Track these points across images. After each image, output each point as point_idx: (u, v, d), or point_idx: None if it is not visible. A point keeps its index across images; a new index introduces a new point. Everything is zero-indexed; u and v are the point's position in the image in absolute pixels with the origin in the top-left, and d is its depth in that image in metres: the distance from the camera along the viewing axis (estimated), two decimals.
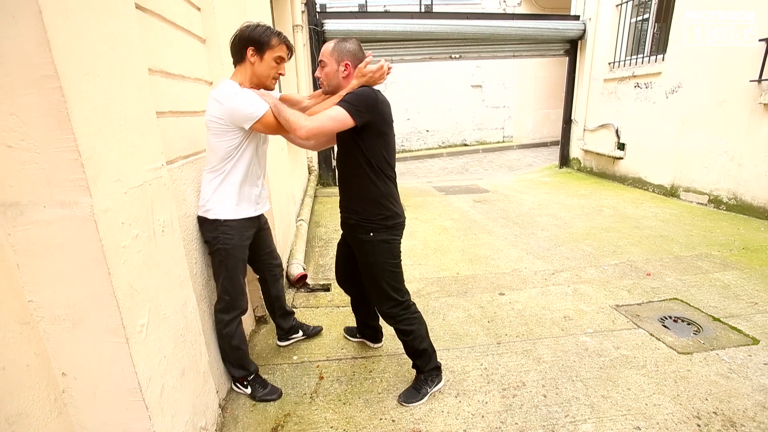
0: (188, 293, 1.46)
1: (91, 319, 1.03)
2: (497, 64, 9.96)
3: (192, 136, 1.78)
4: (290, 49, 1.66)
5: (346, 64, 1.63)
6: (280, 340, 2.30)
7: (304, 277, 3.06)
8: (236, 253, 1.72)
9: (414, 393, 1.84)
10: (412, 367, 1.92)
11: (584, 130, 6.66)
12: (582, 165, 6.95)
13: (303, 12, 5.97)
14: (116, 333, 1.04)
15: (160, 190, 1.29)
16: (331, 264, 3.50)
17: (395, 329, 1.86)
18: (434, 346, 1.90)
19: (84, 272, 0.99)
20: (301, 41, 6.11)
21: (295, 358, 2.20)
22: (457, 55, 6.39)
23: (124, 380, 1.09)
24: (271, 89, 1.71)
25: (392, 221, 1.73)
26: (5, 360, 0.92)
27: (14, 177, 0.92)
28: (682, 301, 2.67)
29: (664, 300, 2.70)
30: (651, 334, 2.31)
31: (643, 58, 5.65)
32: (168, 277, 1.32)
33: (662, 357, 2.10)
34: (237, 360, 1.84)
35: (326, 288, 3.07)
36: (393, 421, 1.74)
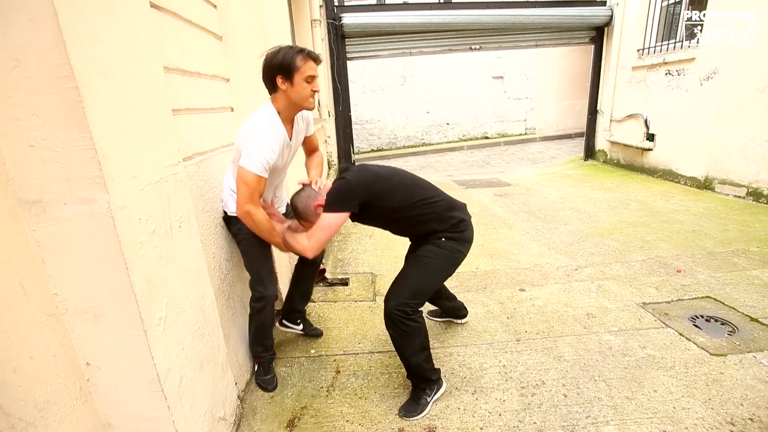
0: (206, 287, 1.49)
1: (111, 312, 1.06)
2: (519, 54, 9.70)
3: (209, 133, 1.81)
4: (317, 61, 1.61)
5: (317, 205, 1.63)
6: (280, 323, 2.24)
7: (322, 271, 3.08)
8: (255, 240, 1.76)
9: (414, 405, 1.74)
10: (407, 377, 1.80)
11: (611, 120, 6.40)
12: (608, 157, 6.69)
13: (321, 6, 5.96)
14: (135, 326, 1.07)
15: (177, 186, 1.32)
16: (350, 258, 3.52)
17: (393, 331, 1.69)
18: (453, 341, 1.87)
19: (103, 267, 1.02)
20: (319, 36, 6.11)
21: (312, 351, 2.23)
22: (477, 46, 6.25)
23: (144, 371, 1.12)
24: (311, 109, 1.71)
25: (461, 225, 1.76)
26: (33, 350, 0.96)
27: (37, 175, 0.95)
28: (715, 299, 2.54)
29: (695, 298, 2.57)
30: (680, 334, 2.20)
31: (675, 43, 5.35)
32: (185, 272, 1.34)
33: (693, 358, 2.00)
34: (257, 341, 1.95)
35: (344, 282, 3.08)
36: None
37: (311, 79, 1.60)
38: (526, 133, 11.01)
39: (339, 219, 1.57)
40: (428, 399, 1.77)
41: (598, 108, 6.74)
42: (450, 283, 2.93)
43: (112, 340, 1.09)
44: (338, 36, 6.29)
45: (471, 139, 10.92)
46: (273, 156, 1.58)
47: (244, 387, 1.93)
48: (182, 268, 1.33)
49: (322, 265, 3.11)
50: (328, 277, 3.16)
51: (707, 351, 2.05)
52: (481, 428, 1.65)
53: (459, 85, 10.55)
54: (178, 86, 1.54)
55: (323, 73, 6.06)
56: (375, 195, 1.62)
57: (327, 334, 2.38)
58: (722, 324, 2.30)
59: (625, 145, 6.19)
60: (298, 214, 1.69)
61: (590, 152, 7.02)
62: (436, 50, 6.31)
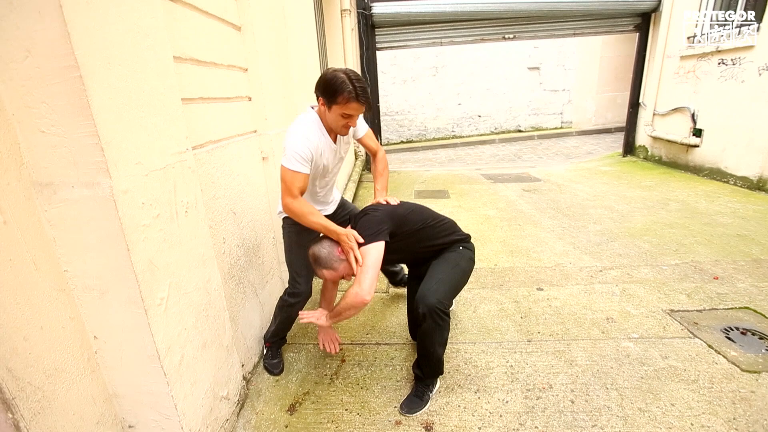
0: (212, 271, 1.55)
1: (114, 290, 1.13)
2: (557, 44, 9.23)
3: (223, 122, 1.85)
4: (361, 103, 1.59)
5: (340, 251, 1.67)
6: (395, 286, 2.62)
7: None
8: (295, 237, 1.89)
9: (417, 401, 1.74)
10: (416, 370, 1.80)
11: (653, 114, 5.98)
12: (649, 153, 6.28)
13: None
14: (136, 304, 1.13)
15: (185, 173, 1.37)
16: None
17: (429, 324, 1.67)
18: (461, 337, 1.85)
19: (107, 247, 1.08)
20: (348, 26, 6.11)
21: None
22: (511, 35, 6.01)
23: (144, 347, 1.18)
24: (343, 135, 1.80)
25: (469, 238, 1.98)
26: (43, 321, 1.04)
27: (48, 159, 1.02)
28: (755, 311, 2.34)
29: (732, 308, 2.38)
30: (709, 346, 2.05)
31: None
32: (191, 255, 1.40)
33: (720, 373, 1.86)
34: (278, 331, 2.05)
35: None
36: None
37: (347, 116, 1.63)
38: (561, 127, 10.53)
39: (381, 248, 1.62)
40: (430, 394, 1.78)
41: (640, 101, 6.32)
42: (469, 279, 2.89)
43: (116, 317, 1.16)
44: (368, 26, 6.26)
45: (503, 132, 10.59)
46: (306, 150, 1.63)
47: (252, 369, 2.00)
48: (188, 251, 1.38)
49: None
50: None
51: (738, 366, 1.89)
52: (479, 428, 1.62)
53: (492, 76, 10.22)
54: (191, 75, 1.58)
55: (351, 62, 6.07)
56: (398, 223, 1.73)
57: (338, 323, 2.41)
58: (760, 338, 2.12)
59: (669, 141, 5.77)
60: (320, 263, 1.67)
61: (629, 148, 6.61)
62: (468, 40, 6.13)
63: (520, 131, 10.66)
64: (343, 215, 2.14)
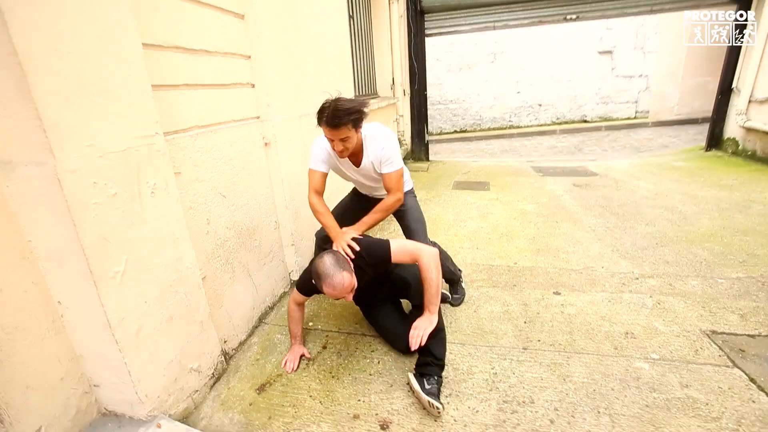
0: (185, 250, 1.63)
1: (68, 261, 1.23)
2: (635, 23, 8.07)
3: (215, 108, 1.92)
4: (330, 127, 1.71)
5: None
6: None
7: None
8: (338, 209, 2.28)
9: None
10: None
11: (749, 101, 5.00)
12: (740, 147, 5.29)
13: None
14: (86, 276, 1.23)
15: (152, 155, 1.44)
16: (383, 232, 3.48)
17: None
18: (451, 337, 1.94)
19: (58, 222, 1.18)
20: (396, 13, 6.00)
21: (310, 324, 2.30)
22: (574, 16, 5.39)
23: (97, 316, 1.28)
24: (340, 157, 1.90)
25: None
26: (3, 283, 1.18)
27: (5, 139, 1.13)
28: None
29: None
30: (751, 380, 1.69)
31: None
32: (157, 234, 1.48)
33: (755, 414, 1.52)
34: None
35: None
36: (370, 405, 1.68)
37: (330, 140, 1.79)
38: (636, 117, 9.30)
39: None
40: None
41: (733, 86, 5.32)
42: (477, 276, 2.73)
43: (74, 285, 1.27)
44: (417, 12, 6.08)
45: (566, 123, 9.67)
46: (318, 151, 1.96)
47: (237, 346, 2.09)
48: (153, 230, 1.46)
49: None
50: None
51: None
52: None
53: (556, 61, 9.32)
54: (175, 63, 1.65)
55: (398, 51, 5.95)
56: None
57: (330, 310, 2.42)
58: None
59: (767, 133, 4.81)
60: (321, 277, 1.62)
61: (715, 141, 5.62)
62: (524, 23, 5.64)
63: (585, 121, 9.64)
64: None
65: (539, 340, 2.03)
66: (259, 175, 2.29)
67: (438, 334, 1.74)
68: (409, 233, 2.16)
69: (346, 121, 1.69)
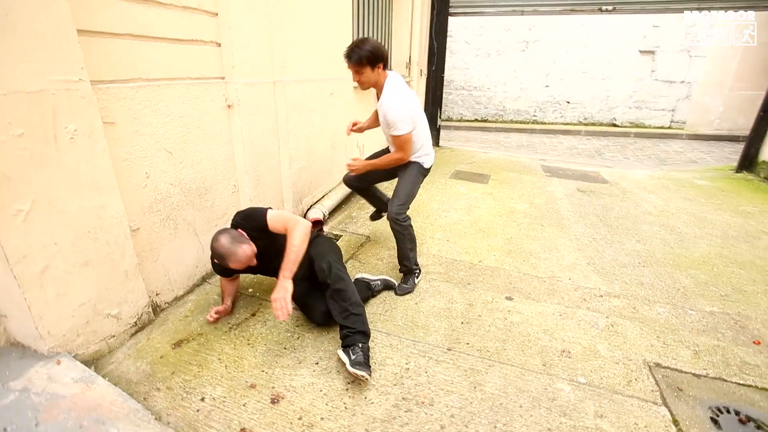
0: (110, 199, 1.64)
1: None
2: (684, 23, 7.25)
3: (167, 62, 1.89)
4: (347, 60, 2.04)
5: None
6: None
7: (318, 222, 3.10)
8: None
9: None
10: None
11: None
12: None
13: None
14: None
15: (72, 100, 1.44)
16: (360, 218, 3.44)
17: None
18: (381, 325, 1.84)
19: None
20: None
21: (249, 290, 2.32)
22: (610, 7, 4.94)
23: None
24: (361, 88, 2.17)
25: None
26: None
27: None
28: None
29: (749, 386, 1.77)
30: (675, 421, 1.56)
31: None
32: (76, 179, 1.50)
33: None
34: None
35: (336, 237, 3.05)
36: (270, 378, 1.68)
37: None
38: (670, 127, 8.55)
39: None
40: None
41: None
42: (435, 268, 2.65)
43: None
44: None
45: (593, 124, 9.03)
46: None
47: (171, 300, 2.13)
48: (71, 175, 1.48)
49: (320, 217, 3.14)
50: (324, 230, 3.17)
51: None
52: (322, 418, 1.50)
53: (592, 57, 8.61)
54: (116, 11, 1.62)
55: (418, 28, 5.69)
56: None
57: (273, 281, 2.41)
58: (758, 429, 1.55)
59: None
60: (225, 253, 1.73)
61: (748, 162, 5.10)
62: (554, 10, 5.22)
63: (614, 125, 8.96)
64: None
65: (468, 343, 1.96)
66: (218, 137, 2.28)
67: (349, 309, 1.77)
68: (394, 196, 2.31)
69: (357, 56, 1.97)
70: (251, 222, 1.84)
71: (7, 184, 1.29)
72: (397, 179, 2.36)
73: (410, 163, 2.30)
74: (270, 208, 1.87)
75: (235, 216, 1.91)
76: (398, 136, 2.10)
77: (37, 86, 1.33)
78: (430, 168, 2.39)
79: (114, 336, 1.77)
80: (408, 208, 2.30)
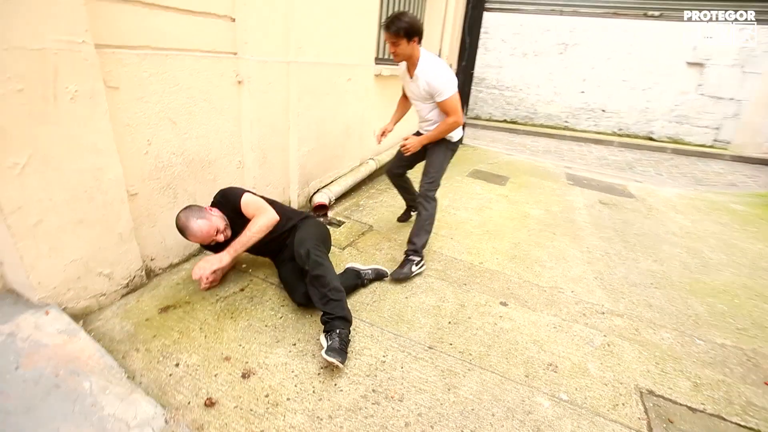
0: (109, 162, 1.68)
1: None
2: (741, 35, 6.67)
3: (174, 33, 1.89)
4: (386, 31, 2.09)
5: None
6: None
7: (322, 206, 3.10)
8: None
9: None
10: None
11: None
12: None
13: None
14: None
15: (75, 61, 1.47)
16: (369, 206, 3.41)
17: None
18: (367, 314, 1.93)
19: None
20: None
21: (243, 266, 2.34)
22: (657, 13, 4.62)
23: None
24: (396, 61, 2.27)
25: None
26: None
27: None
28: None
29: (752, 429, 1.63)
30: None
31: None
32: (74, 140, 1.53)
33: None
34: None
35: (338, 224, 3.04)
36: (246, 353, 1.69)
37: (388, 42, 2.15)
38: (712, 146, 7.95)
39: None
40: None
41: None
42: (433, 265, 2.60)
43: None
44: None
45: (628, 136, 8.53)
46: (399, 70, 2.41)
47: (166, 267, 2.18)
48: (70, 135, 1.52)
49: (325, 201, 3.13)
50: (329, 215, 3.16)
51: None
52: (288, 398, 1.50)
53: (634, 65, 8.09)
54: None
55: (451, 21, 5.55)
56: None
57: (267, 260, 2.43)
58: None
59: None
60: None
61: None
62: (596, 11, 4.94)
63: (651, 139, 8.42)
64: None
65: (451, 344, 1.90)
66: (226, 112, 2.29)
67: (328, 295, 1.75)
68: (423, 174, 2.43)
69: (395, 28, 2.04)
70: (227, 202, 1.91)
71: (3, 136, 1.34)
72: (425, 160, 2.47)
73: (443, 142, 2.39)
74: (249, 191, 1.95)
75: (216, 193, 1.96)
76: (448, 98, 2.16)
77: (39, 44, 1.36)
78: (458, 141, 2.46)
79: (104, 294, 1.83)
80: (439, 185, 2.44)
